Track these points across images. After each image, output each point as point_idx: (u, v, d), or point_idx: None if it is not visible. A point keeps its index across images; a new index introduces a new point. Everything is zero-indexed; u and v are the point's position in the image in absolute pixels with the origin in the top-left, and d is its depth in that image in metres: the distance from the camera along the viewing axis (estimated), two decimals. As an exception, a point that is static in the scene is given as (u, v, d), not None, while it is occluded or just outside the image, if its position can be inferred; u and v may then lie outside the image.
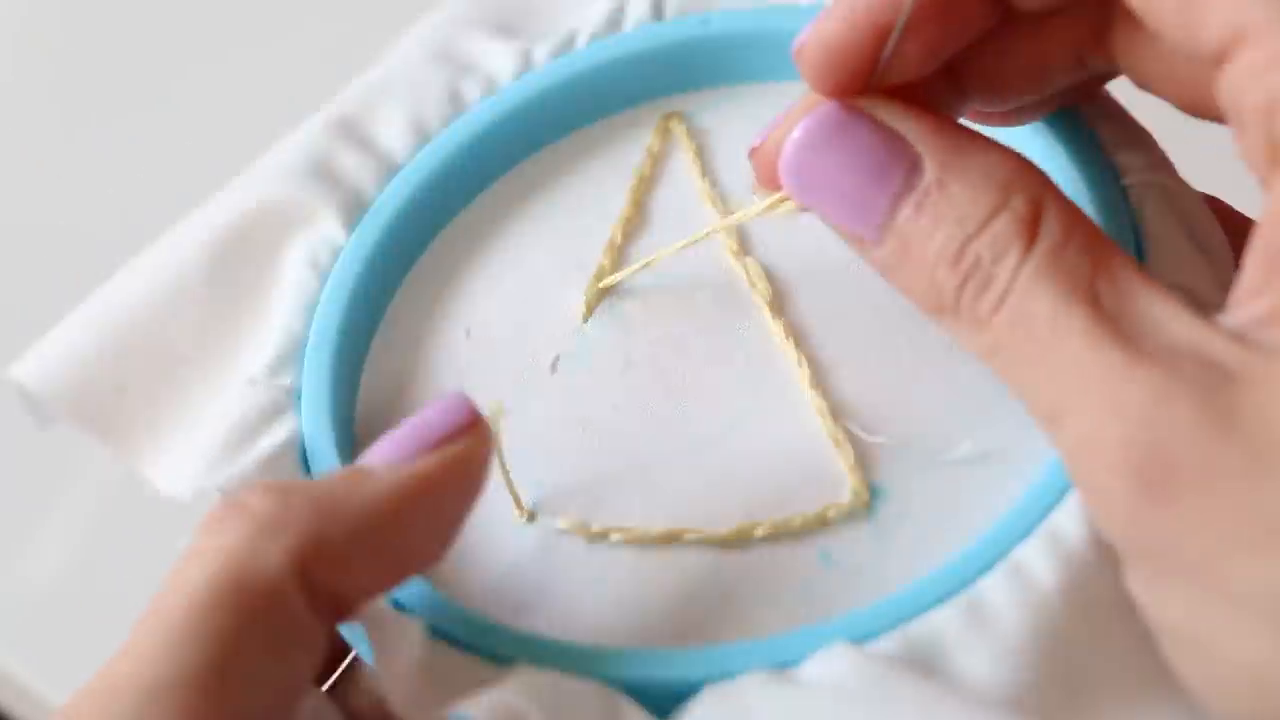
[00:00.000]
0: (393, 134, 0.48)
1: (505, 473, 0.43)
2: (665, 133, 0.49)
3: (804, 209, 0.40)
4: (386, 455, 0.38)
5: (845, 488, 0.42)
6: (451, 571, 0.42)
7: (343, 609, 0.37)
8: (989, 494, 0.41)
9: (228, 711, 0.34)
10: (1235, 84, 0.35)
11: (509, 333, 0.46)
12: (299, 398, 0.44)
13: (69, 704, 0.35)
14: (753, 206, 0.42)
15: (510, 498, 0.43)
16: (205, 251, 0.46)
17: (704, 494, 0.42)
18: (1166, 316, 0.35)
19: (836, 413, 0.43)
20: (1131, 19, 0.38)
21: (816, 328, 0.44)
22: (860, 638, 0.38)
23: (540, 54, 0.49)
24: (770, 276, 0.45)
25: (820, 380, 0.43)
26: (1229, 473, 0.33)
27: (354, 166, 0.47)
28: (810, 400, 0.43)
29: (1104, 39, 0.40)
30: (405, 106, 0.48)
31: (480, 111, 0.48)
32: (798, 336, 0.44)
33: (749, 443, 0.43)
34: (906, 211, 0.38)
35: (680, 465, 0.43)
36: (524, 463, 0.43)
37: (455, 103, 0.48)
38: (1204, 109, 0.39)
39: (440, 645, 0.40)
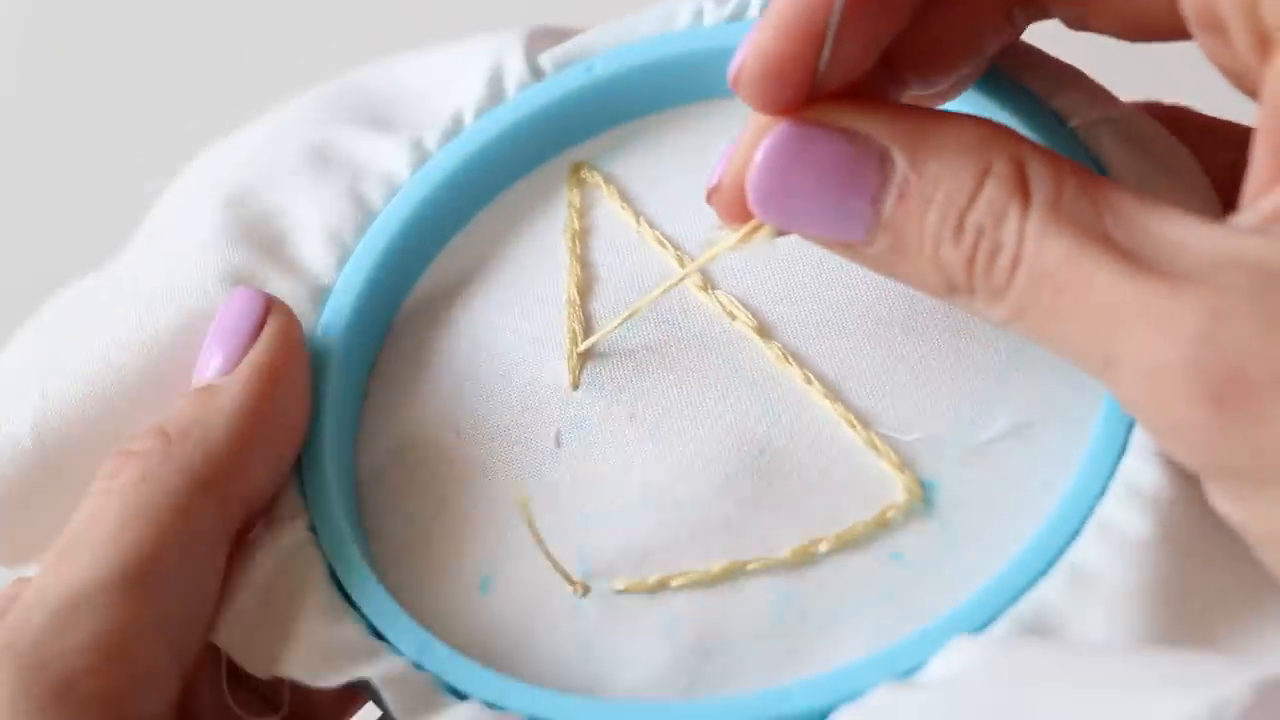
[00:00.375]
0: (314, 253, 0.47)
1: (548, 555, 0.42)
2: (579, 183, 0.49)
3: (781, 234, 0.40)
4: (211, 365, 0.43)
5: (894, 488, 0.42)
6: (525, 664, 0.42)
7: (249, 513, 0.42)
8: (1038, 463, 0.41)
9: (145, 611, 0.38)
10: None
11: (501, 421, 0.45)
12: None
13: (16, 613, 0.39)
14: (724, 241, 0.42)
15: (560, 578, 0.42)
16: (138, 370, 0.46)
17: (751, 525, 0.42)
18: (1186, 234, 0.35)
19: (863, 420, 0.43)
20: None
21: (806, 346, 0.44)
22: (973, 629, 0.39)
23: (431, 141, 0.48)
24: (744, 306, 0.45)
25: (834, 393, 0.44)
26: None
27: (287, 292, 0.46)
28: (833, 412, 0.43)
29: None
30: (315, 220, 0.47)
31: (397, 208, 0.47)
32: (795, 357, 0.44)
33: (782, 465, 0.43)
34: (890, 203, 0.37)
35: (718, 501, 0.43)
36: (560, 540, 0.43)
37: (361, 206, 0.47)
38: (1154, 29, 0.38)
39: None
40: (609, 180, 0.48)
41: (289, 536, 0.43)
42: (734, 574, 0.42)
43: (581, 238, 0.48)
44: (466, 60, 0.50)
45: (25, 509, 0.45)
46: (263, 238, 0.47)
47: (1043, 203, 0.36)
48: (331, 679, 0.40)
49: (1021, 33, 0.42)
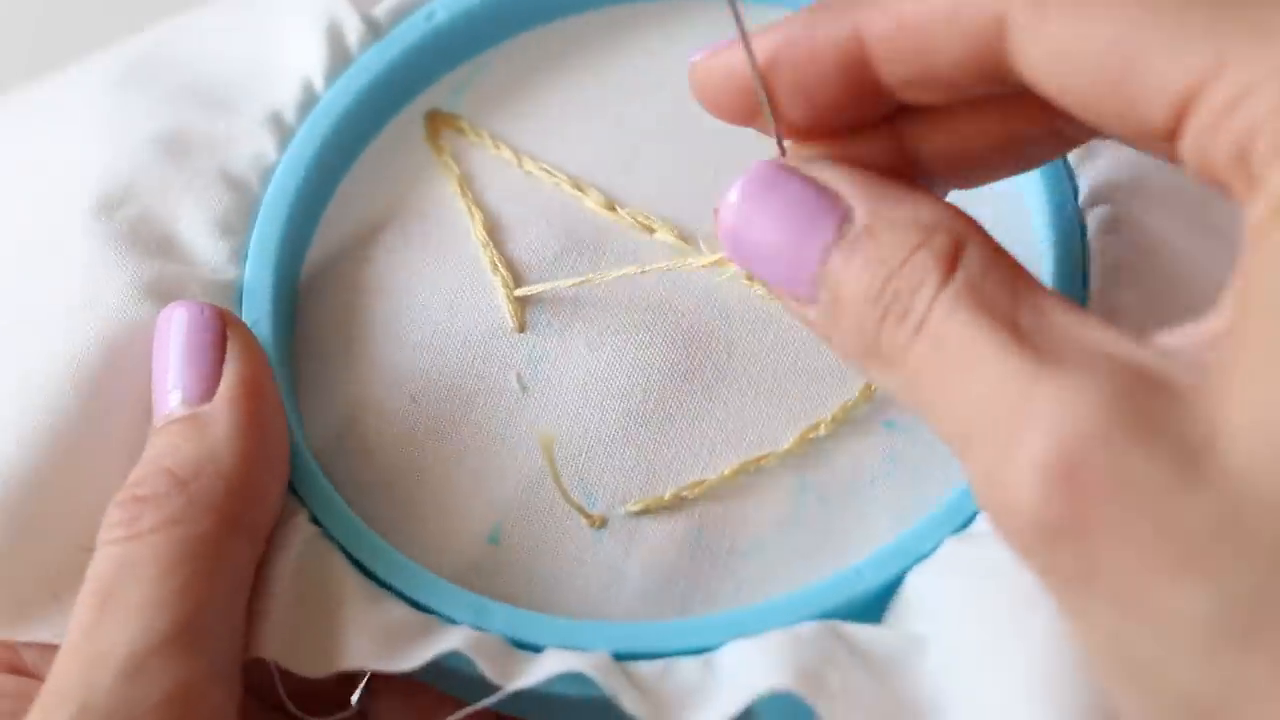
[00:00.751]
0: (209, 246, 0.45)
1: (564, 493, 0.42)
2: (437, 130, 0.48)
3: (747, 276, 0.42)
4: (189, 392, 0.42)
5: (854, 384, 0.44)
6: (563, 606, 0.42)
7: (266, 526, 0.42)
8: None
9: (204, 661, 0.38)
10: (1197, 144, 0.33)
11: (452, 376, 0.45)
12: None
13: (57, 669, 0.38)
14: (697, 259, 0.44)
15: (576, 514, 0.43)
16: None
17: (745, 426, 0.44)
18: (1086, 329, 0.34)
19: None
20: None
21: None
22: None
23: (290, 114, 0.47)
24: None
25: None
26: (1148, 484, 0.30)
27: (199, 293, 0.44)
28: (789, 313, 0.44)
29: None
30: (196, 213, 0.46)
31: (281, 187, 0.46)
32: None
33: (753, 362, 0.44)
34: (836, 260, 0.37)
35: (708, 405, 0.44)
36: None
37: (237, 189, 0.46)
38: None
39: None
40: (470, 123, 0.48)
41: (296, 535, 0.42)
42: (746, 472, 0.43)
43: (467, 182, 0.47)
44: (287, 21, 0.48)
45: None
46: (149, 240, 0.45)
47: (963, 280, 0.35)
48: (408, 661, 0.39)
49: (1079, 144, 0.40)
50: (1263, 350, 0.30)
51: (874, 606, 0.41)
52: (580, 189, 0.47)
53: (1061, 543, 0.31)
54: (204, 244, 0.45)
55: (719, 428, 0.43)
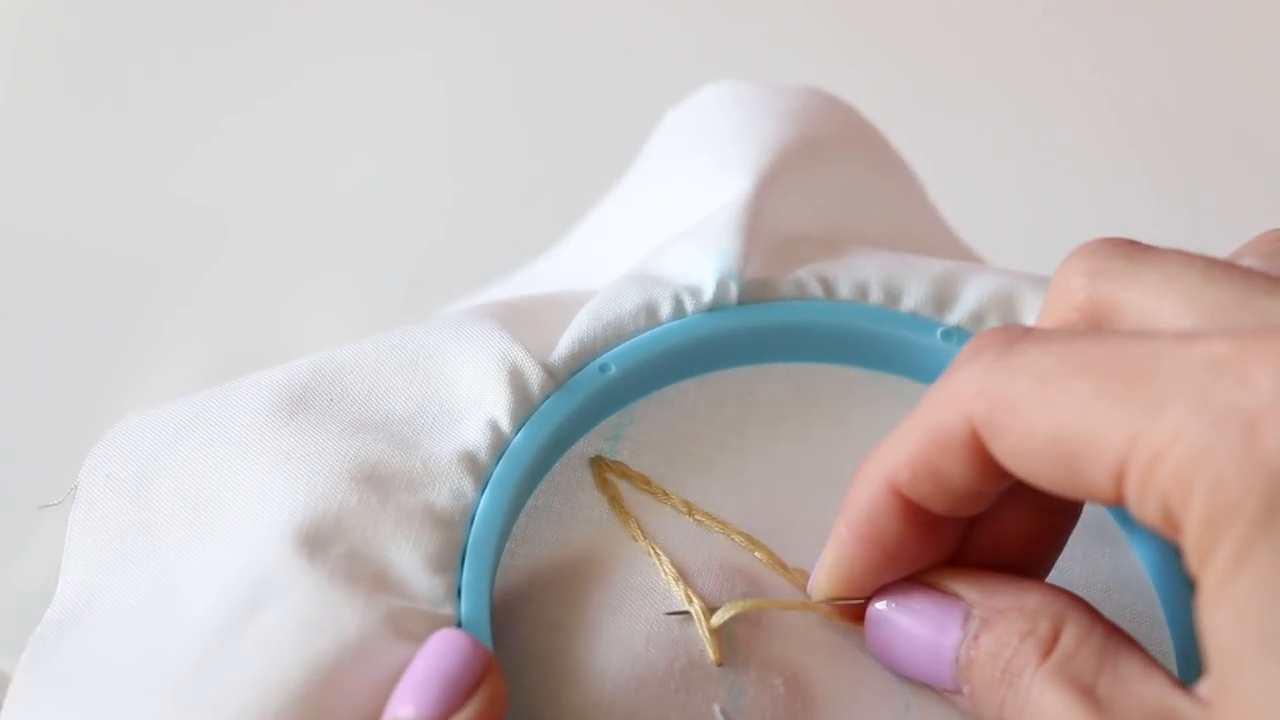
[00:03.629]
0: (426, 584, 0.46)
1: None
2: (602, 478, 0.50)
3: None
4: (426, 710, 0.42)
5: None
6: None
7: None
8: None
9: None
10: (1137, 507, 0.39)
11: (656, 709, 0.46)
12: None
13: None
14: (813, 603, 0.47)
15: None
16: None
17: None
18: (1147, 688, 0.41)
19: None
20: None
21: None
22: None
23: (484, 454, 0.48)
24: None
25: None
26: None
27: (423, 633, 0.45)
28: None
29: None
30: (407, 548, 0.46)
31: (484, 529, 0.47)
32: None
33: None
34: (965, 652, 0.44)
35: None
36: None
37: (443, 527, 0.47)
38: None
39: None
40: (630, 472, 0.50)
41: None
42: None
43: (639, 526, 0.49)
44: (464, 364, 0.50)
45: None
46: (367, 577, 0.45)
47: (1058, 658, 0.42)
48: None
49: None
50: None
51: None
52: (752, 542, 0.49)
53: None
54: (421, 581, 0.46)
55: None
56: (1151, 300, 0.42)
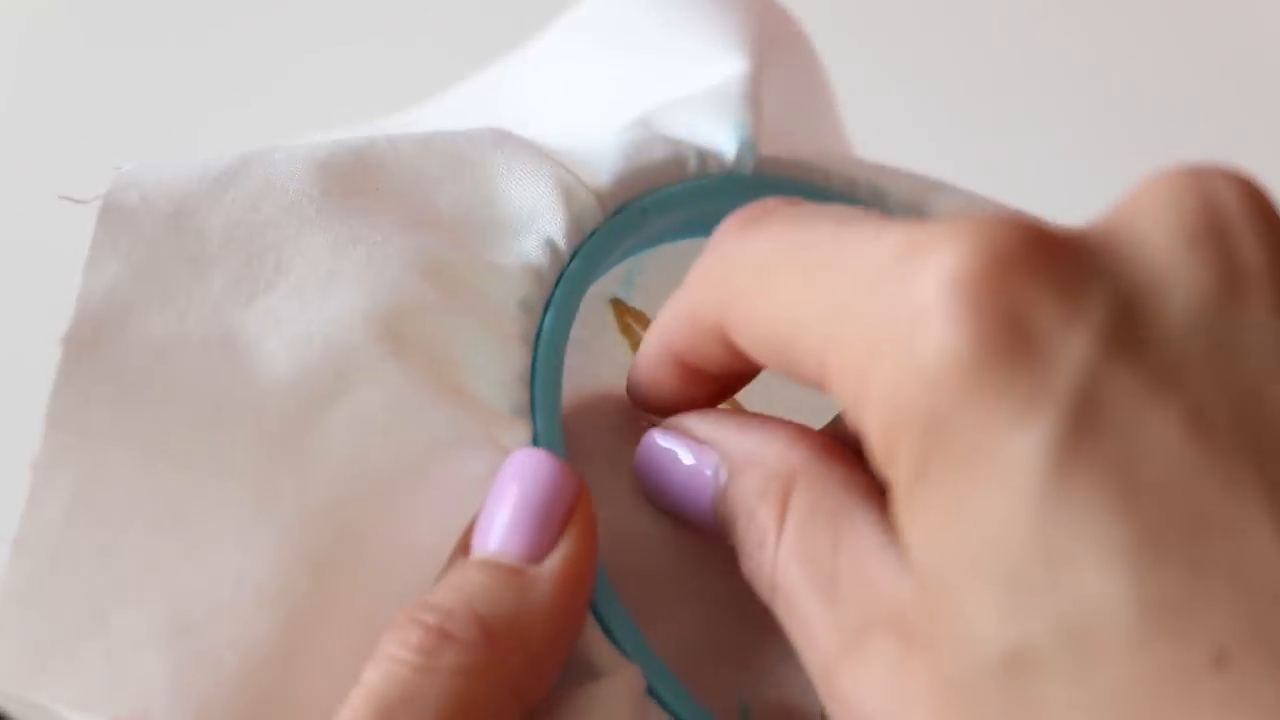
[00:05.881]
0: (496, 397, 0.44)
1: None
2: (624, 323, 0.50)
3: None
4: (523, 547, 0.40)
5: None
6: None
7: (535, 704, 0.40)
8: None
9: None
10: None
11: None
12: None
13: None
14: None
15: None
16: None
17: None
18: (883, 576, 0.37)
19: None
20: None
21: None
22: None
23: (548, 273, 0.47)
24: None
25: None
26: None
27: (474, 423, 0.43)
28: None
29: None
30: (478, 356, 0.44)
31: (549, 349, 0.46)
32: None
33: None
34: (719, 507, 0.42)
35: None
36: None
37: (512, 343, 0.45)
38: None
39: None
40: (648, 321, 0.50)
41: (628, 688, 0.40)
42: None
43: None
44: (509, 178, 0.47)
45: None
46: (449, 381, 0.43)
47: (791, 533, 0.39)
48: None
49: None
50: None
51: None
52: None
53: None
54: (499, 392, 0.43)
55: None
56: None
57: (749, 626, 0.43)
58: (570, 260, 0.47)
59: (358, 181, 0.45)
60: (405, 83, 0.97)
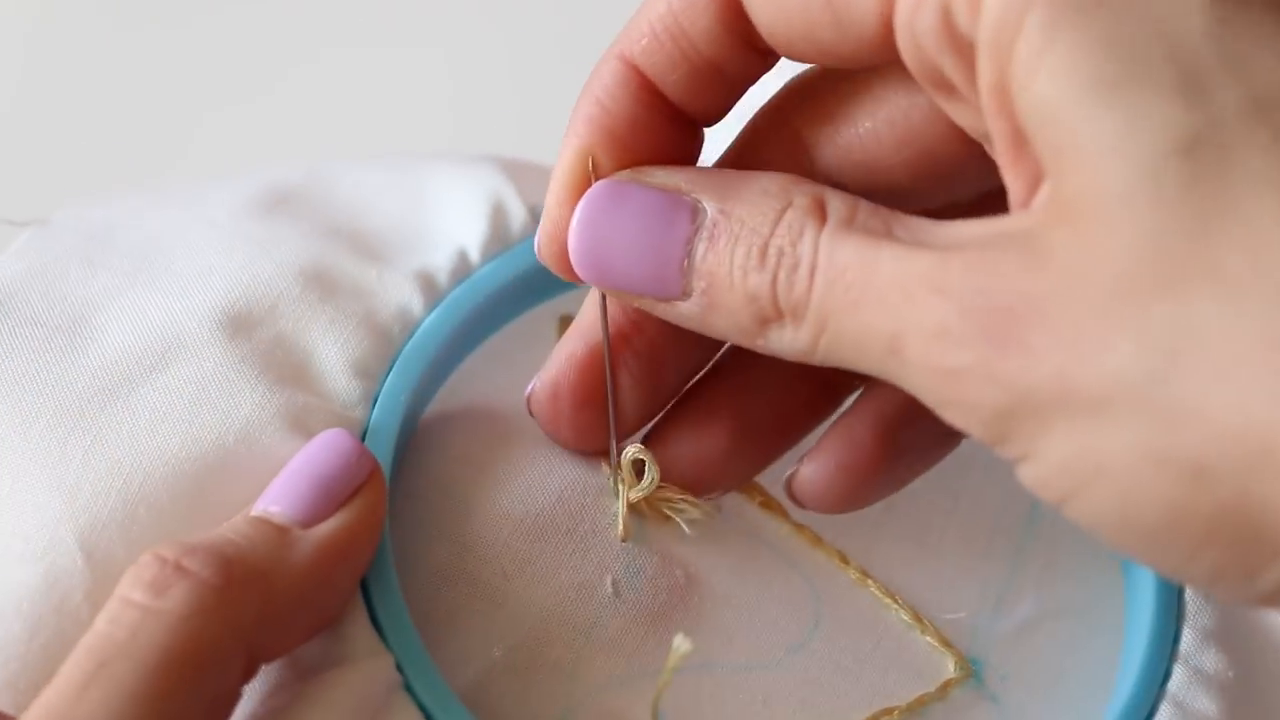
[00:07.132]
0: (343, 386, 0.45)
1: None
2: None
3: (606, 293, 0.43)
4: (296, 509, 0.41)
5: (943, 665, 0.45)
6: None
7: (266, 660, 0.40)
8: (1075, 641, 0.46)
9: None
10: (909, 35, 0.36)
11: (550, 562, 0.45)
12: None
13: None
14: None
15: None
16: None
17: (818, 696, 0.44)
18: (961, 227, 0.36)
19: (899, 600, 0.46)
20: None
21: (835, 539, 0.47)
22: None
23: (443, 278, 0.48)
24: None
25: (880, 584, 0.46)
26: (1053, 301, 0.34)
27: (303, 405, 0.45)
28: (874, 593, 0.46)
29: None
30: (334, 351, 0.46)
31: (421, 345, 0.47)
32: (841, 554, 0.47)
33: (837, 640, 0.45)
34: (702, 248, 0.39)
35: (788, 670, 0.45)
36: (626, 686, 0.44)
37: (381, 339, 0.46)
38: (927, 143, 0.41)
39: None
40: None
41: (375, 678, 0.41)
42: None
43: None
44: (453, 193, 0.49)
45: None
46: (284, 366, 0.45)
47: (836, 220, 0.38)
48: None
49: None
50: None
51: None
52: None
53: (1015, 377, 0.35)
54: (338, 381, 0.45)
55: (797, 696, 0.44)
56: None
57: (587, 638, 0.44)
58: (480, 267, 0.48)
59: (295, 195, 0.49)
60: (405, 83, 0.96)
